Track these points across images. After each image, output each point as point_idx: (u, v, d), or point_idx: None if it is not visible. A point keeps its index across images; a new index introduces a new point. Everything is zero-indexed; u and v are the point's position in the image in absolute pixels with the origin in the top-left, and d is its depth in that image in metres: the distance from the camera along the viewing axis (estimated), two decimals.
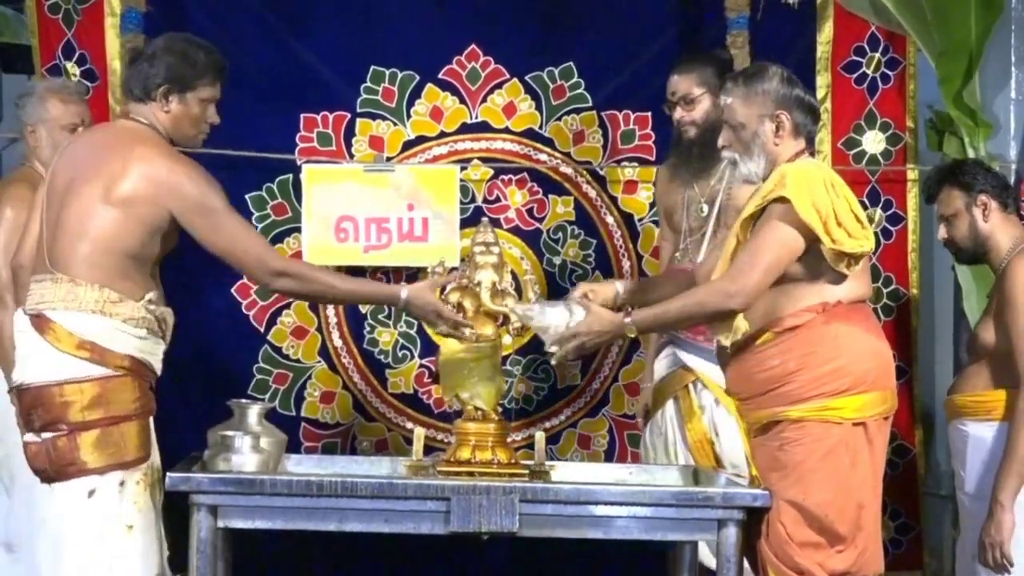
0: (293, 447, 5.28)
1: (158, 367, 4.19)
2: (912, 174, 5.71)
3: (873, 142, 5.72)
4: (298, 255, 5.70)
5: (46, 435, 4.00)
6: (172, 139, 4.18)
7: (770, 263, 4.02)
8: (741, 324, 4.08)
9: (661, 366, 5.15)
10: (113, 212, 4.03)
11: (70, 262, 4.04)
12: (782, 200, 4.01)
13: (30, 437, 4.05)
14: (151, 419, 4.14)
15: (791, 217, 3.99)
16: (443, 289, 4.43)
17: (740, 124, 4.19)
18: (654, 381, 5.18)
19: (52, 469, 4.01)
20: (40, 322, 4.04)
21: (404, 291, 4.32)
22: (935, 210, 4.97)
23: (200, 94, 4.18)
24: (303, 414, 5.76)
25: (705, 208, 5.04)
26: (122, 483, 4.02)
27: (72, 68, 5.57)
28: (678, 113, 5.02)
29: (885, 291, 5.63)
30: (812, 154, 4.28)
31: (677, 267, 5.10)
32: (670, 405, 5.09)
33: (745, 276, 4.02)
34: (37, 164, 4.86)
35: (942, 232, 4.91)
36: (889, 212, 5.74)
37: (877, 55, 5.70)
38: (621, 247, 5.87)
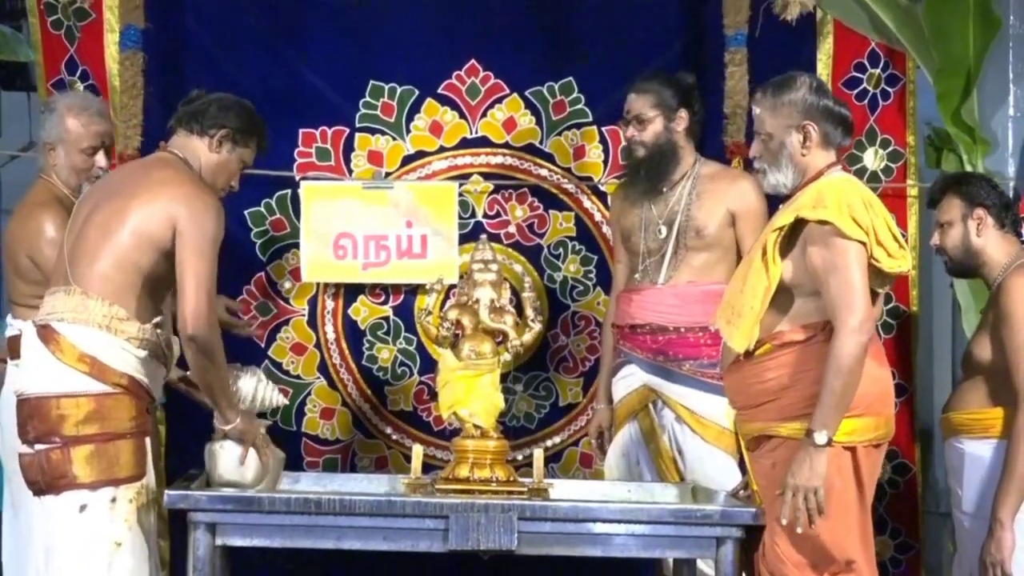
0: (294, 462, 5.35)
1: (157, 392, 4.28)
2: (912, 191, 5.72)
3: (874, 159, 5.73)
4: (296, 272, 5.74)
5: (40, 447, 4.08)
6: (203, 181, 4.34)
7: (863, 284, 3.99)
8: (744, 340, 4.11)
9: (621, 386, 5.18)
10: (128, 229, 4.15)
11: (86, 276, 4.15)
12: (823, 223, 4.02)
13: (24, 448, 4.13)
14: (147, 440, 4.21)
15: (841, 236, 4.00)
16: (442, 306, 4.45)
17: (768, 135, 4.21)
18: (615, 401, 5.20)
19: (44, 481, 4.08)
20: (46, 333, 4.13)
21: (236, 420, 4.30)
22: (933, 217, 4.99)
23: (245, 154, 4.44)
24: (304, 429, 5.78)
25: (664, 229, 5.06)
26: (113, 500, 4.08)
27: (77, 84, 5.59)
28: (629, 132, 5.06)
29: (885, 308, 5.62)
30: (844, 168, 4.30)
31: (632, 288, 5.14)
32: (632, 425, 5.13)
33: (854, 304, 3.97)
34: (54, 177, 4.83)
35: (935, 238, 4.93)
36: None
37: (877, 71, 5.71)
38: None
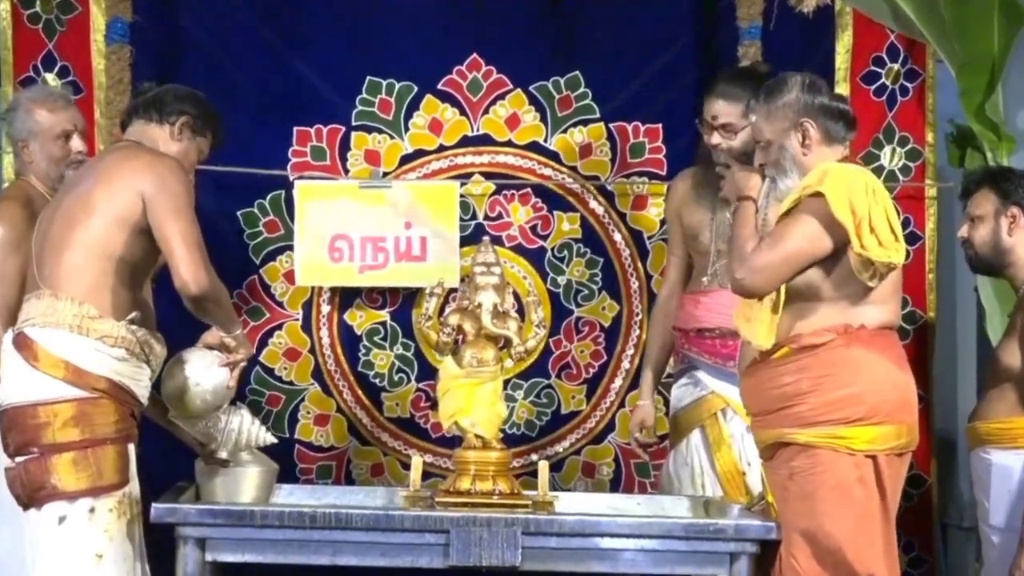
0: (287, 469, 5.28)
1: (141, 394, 4.21)
2: (931, 191, 5.70)
3: (891, 157, 5.70)
4: (290, 275, 5.72)
5: (20, 459, 4.07)
6: None
7: (789, 252, 4.01)
8: (768, 335, 4.09)
9: (683, 392, 5.12)
10: (94, 213, 4.14)
11: (54, 274, 4.13)
12: (817, 195, 4.01)
13: (7, 463, 4.12)
14: (131, 447, 4.17)
15: (823, 212, 3.98)
16: (442, 311, 4.43)
17: (767, 142, 4.21)
18: (675, 408, 5.15)
19: (25, 495, 4.07)
20: (20, 340, 4.12)
21: (238, 331, 4.35)
22: (963, 209, 4.96)
23: (203, 144, 4.45)
24: (297, 436, 5.76)
25: None
26: (92, 510, 4.05)
27: (52, 80, 5.55)
28: (715, 139, 4.95)
29: (901, 313, 5.56)
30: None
31: (700, 290, 5.08)
32: (696, 434, 5.06)
33: (757, 260, 4.01)
34: (33, 179, 4.80)
35: (964, 230, 4.91)
36: (907, 231, 5.66)
37: (896, 66, 5.68)
38: (629, 266, 5.85)
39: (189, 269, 4.07)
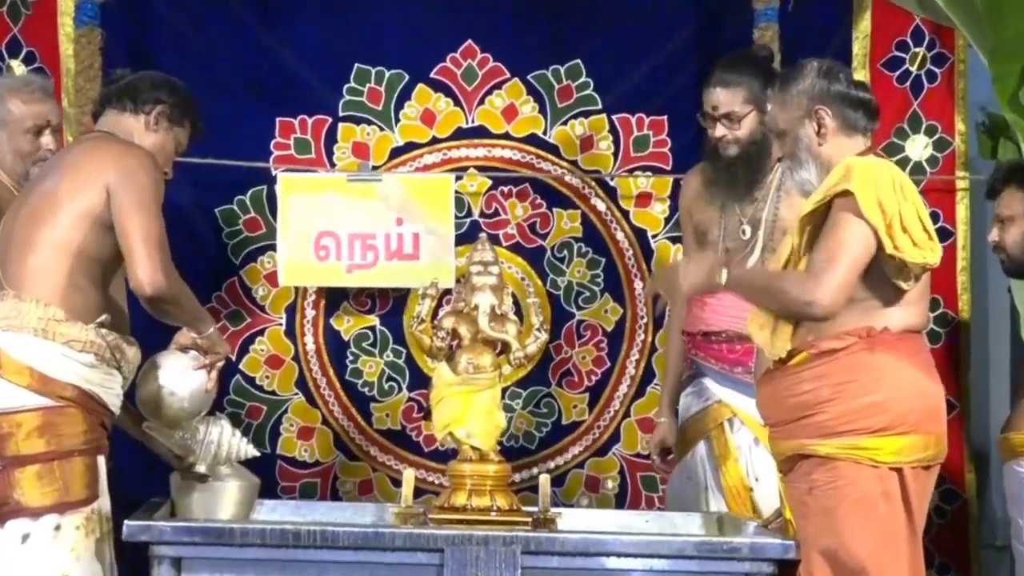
0: (268, 487, 5.25)
1: (112, 402, 4.18)
2: (962, 183, 5.71)
3: (918, 148, 5.71)
4: (272, 277, 5.73)
5: None
6: None
7: (851, 261, 3.97)
8: (784, 343, 4.09)
9: (689, 401, 5.12)
10: (60, 209, 4.12)
11: (18, 274, 4.12)
12: (846, 194, 3.98)
13: None
14: (101, 459, 4.14)
15: (858, 211, 3.96)
16: (436, 314, 4.42)
17: (782, 131, 4.21)
18: (681, 417, 5.15)
19: None
20: None
21: (211, 330, 4.32)
22: (991, 211, 4.97)
23: (180, 135, 4.43)
24: (279, 451, 5.76)
25: (748, 229, 5.01)
26: (57, 527, 4.02)
27: (17, 66, 5.56)
28: (719, 131, 4.97)
29: (932, 315, 5.52)
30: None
31: (707, 291, 4.97)
32: (701, 446, 5.06)
33: (826, 280, 3.95)
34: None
35: (993, 234, 4.92)
36: (936, 226, 5.65)
37: (922, 50, 5.69)
38: (633, 266, 5.84)
39: (145, 269, 4.04)
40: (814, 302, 3.94)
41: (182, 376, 4.28)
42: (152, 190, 4.12)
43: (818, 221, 4.07)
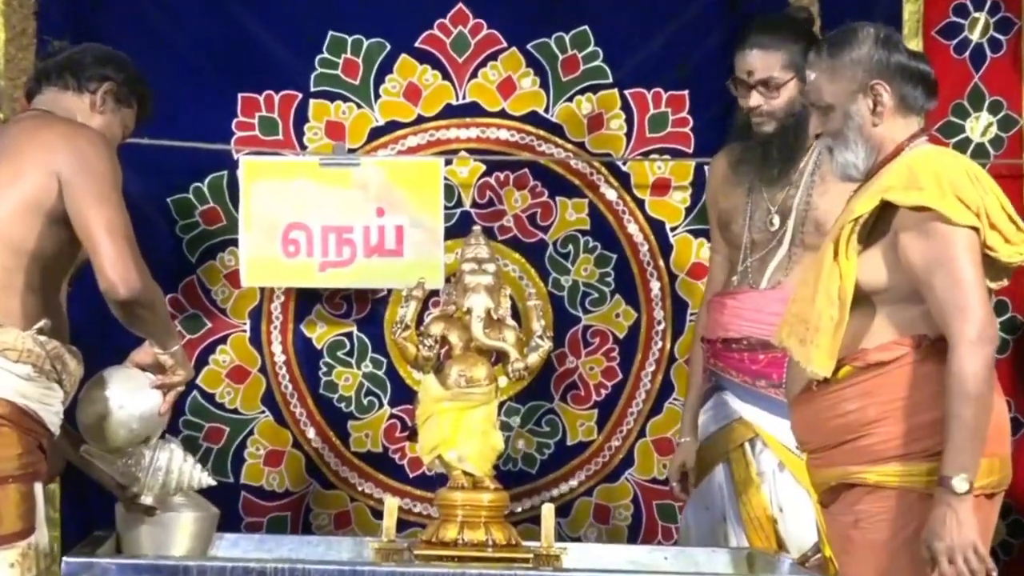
0: (231, 522, 5.26)
1: (51, 421, 4.17)
2: None
3: (979, 128, 5.72)
4: (234, 276, 5.73)
5: None
6: None
7: (977, 282, 3.93)
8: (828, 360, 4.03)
9: (707, 419, 5.11)
10: (2, 201, 4.10)
11: None
12: (922, 208, 3.95)
13: None
14: (38, 486, 4.12)
15: (946, 223, 3.93)
16: (422, 318, 4.42)
17: (828, 106, 4.15)
18: (699, 437, 5.14)
19: None
20: None
21: (176, 347, 4.31)
22: None
23: (128, 117, 4.48)
24: (243, 480, 5.78)
25: (777, 220, 5.00)
26: None
27: None
28: (754, 99, 4.97)
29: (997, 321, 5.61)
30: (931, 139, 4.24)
31: (727, 292, 5.09)
32: (719, 471, 5.05)
33: (970, 309, 3.91)
34: None
35: None
36: None
37: (983, 15, 5.71)
38: (648, 264, 5.86)
39: (117, 268, 4.01)
40: (982, 342, 3.90)
41: (133, 394, 4.27)
42: (111, 176, 4.12)
43: (868, 222, 4.04)
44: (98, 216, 4.04)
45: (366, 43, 5.77)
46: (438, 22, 5.79)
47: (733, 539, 4.97)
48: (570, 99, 5.81)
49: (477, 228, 4.76)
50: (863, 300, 4.03)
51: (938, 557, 3.84)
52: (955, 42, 5.72)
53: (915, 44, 5.61)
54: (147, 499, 4.35)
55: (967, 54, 5.72)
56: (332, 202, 5.65)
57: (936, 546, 3.84)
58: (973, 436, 3.86)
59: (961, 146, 5.64)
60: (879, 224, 4.03)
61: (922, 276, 3.95)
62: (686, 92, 5.78)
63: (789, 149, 4.97)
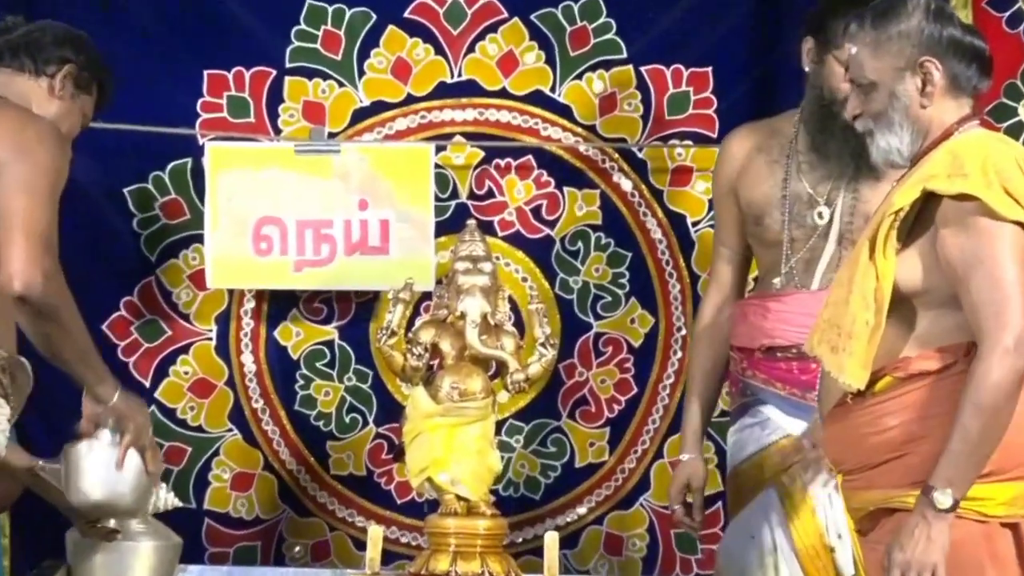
0: (193, 553, 5.33)
1: None
2: None
3: None
4: (199, 277, 5.73)
5: None
6: None
7: (1019, 284, 3.89)
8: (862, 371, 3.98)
9: (744, 437, 5.07)
10: None
11: None
12: (965, 198, 3.91)
13: None
14: None
15: (991, 216, 3.89)
16: (411, 324, 4.42)
17: (871, 84, 4.11)
18: (733, 459, 5.10)
19: None
20: None
21: (115, 397, 4.24)
22: None
23: (87, 104, 4.49)
24: (207, 506, 5.78)
25: (826, 212, 4.96)
26: None
27: None
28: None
29: None
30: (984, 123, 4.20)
31: (769, 294, 5.03)
32: (766, 496, 4.99)
33: (1007, 313, 3.86)
34: None
35: None
36: None
37: None
38: (668, 263, 5.88)
39: (19, 260, 3.97)
40: (1015, 352, 3.84)
41: (109, 479, 4.19)
42: (50, 172, 4.09)
43: (910, 216, 4.01)
44: (18, 205, 4.02)
45: (349, 13, 5.78)
46: None
47: (785, 571, 4.92)
48: (579, 77, 5.81)
49: (472, 223, 4.84)
50: (904, 303, 3.99)
51: (892, 568, 3.83)
52: (1008, 14, 5.72)
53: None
54: (108, 521, 4.32)
55: (1022, 28, 5.73)
56: (309, 193, 5.66)
57: (895, 556, 3.84)
58: (973, 451, 3.82)
59: (1013, 131, 5.64)
60: (921, 218, 3.99)
61: (959, 273, 3.91)
62: (709, 69, 5.77)
63: (863, 150, 4.89)
